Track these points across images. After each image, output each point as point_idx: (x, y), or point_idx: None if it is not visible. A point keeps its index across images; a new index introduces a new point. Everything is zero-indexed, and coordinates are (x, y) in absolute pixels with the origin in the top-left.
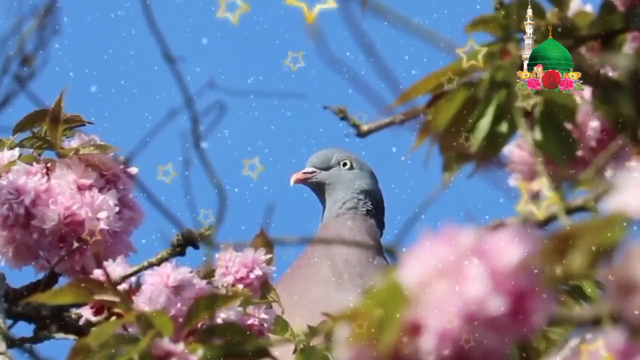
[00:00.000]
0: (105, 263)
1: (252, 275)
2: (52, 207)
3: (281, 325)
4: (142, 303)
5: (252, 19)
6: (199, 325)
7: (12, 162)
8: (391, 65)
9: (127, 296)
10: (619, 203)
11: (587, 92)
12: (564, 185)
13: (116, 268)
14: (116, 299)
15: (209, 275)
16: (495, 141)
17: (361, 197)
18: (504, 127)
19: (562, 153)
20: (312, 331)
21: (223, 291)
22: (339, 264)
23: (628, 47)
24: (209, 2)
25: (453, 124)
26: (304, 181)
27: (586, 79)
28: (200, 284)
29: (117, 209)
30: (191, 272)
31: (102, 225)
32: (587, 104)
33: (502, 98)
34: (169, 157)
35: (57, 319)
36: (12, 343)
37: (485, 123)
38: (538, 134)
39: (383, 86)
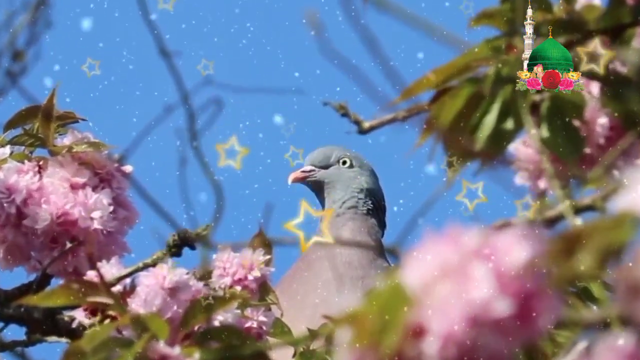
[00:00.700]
0: (99, 264)
1: (250, 277)
2: (44, 207)
3: (280, 328)
4: (137, 305)
5: (251, 14)
6: (196, 328)
7: (3, 160)
8: (394, 60)
9: (122, 298)
10: (628, 202)
11: (596, 87)
12: (572, 184)
13: (110, 269)
14: (110, 301)
15: (206, 276)
16: (500, 138)
17: (361, 195)
18: (509, 124)
19: (569, 150)
20: (312, 334)
21: (220, 293)
22: (340, 266)
23: (637, 42)
24: None
25: (457, 120)
26: (302, 180)
27: (595, 74)
28: (197, 285)
29: (111, 208)
30: (187, 273)
31: (96, 225)
32: (596, 100)
33: (508, 94)
34: (165, 155)
35: (50, 322)
36: (3, 346)
37: (490, 120)
38: (545, 131)
39: (385, 81)
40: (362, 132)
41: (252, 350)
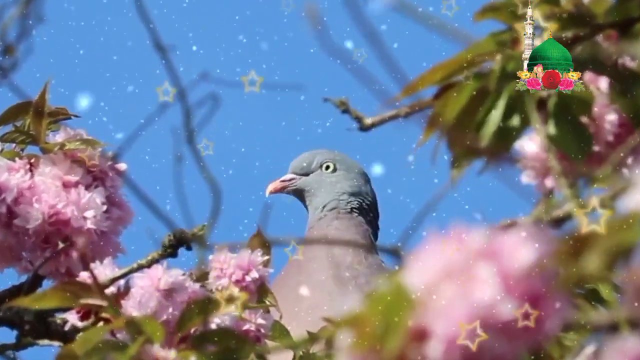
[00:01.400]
0: (92, 265)
1: (248, 278)
2: (35, 206)
3: (279, 331)
4: (131, 307)
5: (249, 8)
6: (192, 331)
7: None
8: (396, 55)
9: (116, 300)
10: (637, 201)
11: (604, 83)
12: (580, 183)
13: (104, 270)
14: (104, 303)
15: (202, 277)
16: (506, 136)
17: (343, 197)
18: (515, 121)
19: (577, 148)
20: (312, 338)
21: (217, 295)
22: (332, 267)
23: None
24: None
25: (462, 117)
26: (281, 190)
27: (603, 69)
28: (193, 287)
29: (104, 207)
30: (183, 274)
31: (89, 224)
32: (604, 96)
33: (514, 90)
34: (160, 153)
35: (41, 325)
36: None
37: (496, 116)
38: (552, 128)
39: (387, 77)
40: (364, 129)
41: (250, 354)
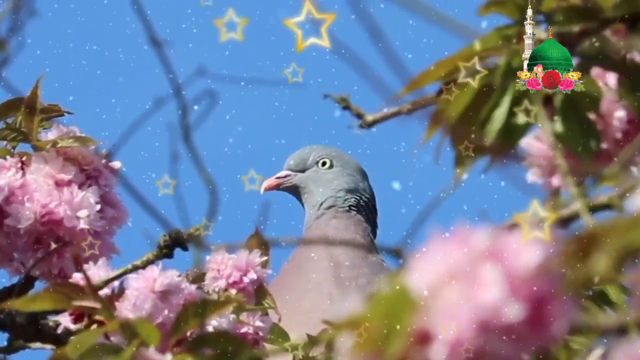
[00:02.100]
0: (85, 266)
1: (246, 279)
2: (27, 205)
3: (278, 334)
4: (125, 310)
5: (246, 3)
6: (188, 333)
7: None
8: (398, 50)
9: (110, 302)
10: None
11: (612, 79)
12: (587, 181)
13: (98, 271)
14: (97, 305)
15: (199, 279)
16: (511, 133)
17: (340, 194)
18: (521, 118)
19: (584, 146)
20: (312, 341)
21: (214, 296)
22: (331, 267)
23: None
24: None
25: (466, 114)
26: (276, 187)
27: (611, 64)
28: (190, 288)
29: (98, 206)
30: (179, 275)
31: (83, 224)
32: (612, 92)
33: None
34: (156, 150)
35: (33, 327)
36: None
37: (501, 113)
38: (558, 125)
39: (390, 73)
40: (365, 126)
41: (248, 357)
